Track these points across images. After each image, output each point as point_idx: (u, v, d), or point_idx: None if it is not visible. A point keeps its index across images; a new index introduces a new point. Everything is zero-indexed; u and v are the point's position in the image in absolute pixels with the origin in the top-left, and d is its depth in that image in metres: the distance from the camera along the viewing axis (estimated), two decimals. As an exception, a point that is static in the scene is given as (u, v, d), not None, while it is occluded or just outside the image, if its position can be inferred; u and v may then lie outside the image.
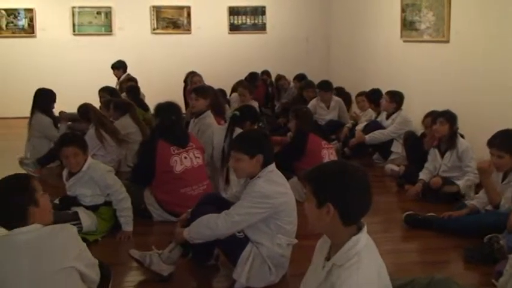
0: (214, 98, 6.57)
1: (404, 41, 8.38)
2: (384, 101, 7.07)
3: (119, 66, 10.21)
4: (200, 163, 5.03)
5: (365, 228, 2.22)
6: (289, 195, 3.57)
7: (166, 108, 5.14)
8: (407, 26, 8.19)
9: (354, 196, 2.16)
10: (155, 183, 4.93)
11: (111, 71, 10.27)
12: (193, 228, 3.54)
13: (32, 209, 2.57)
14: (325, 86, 8.37)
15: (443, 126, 5.44)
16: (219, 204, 3.72)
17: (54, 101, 7.07)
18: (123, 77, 10.09)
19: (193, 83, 8.73)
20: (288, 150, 5.67)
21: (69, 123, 7.44)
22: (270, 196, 3.43)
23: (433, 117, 5.73)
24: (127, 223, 4.58)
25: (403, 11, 8.27)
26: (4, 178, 2.67)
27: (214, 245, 3.67)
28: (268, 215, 3.44)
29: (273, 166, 3.57)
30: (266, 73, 11.05)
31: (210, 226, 3.46)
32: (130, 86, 8.93)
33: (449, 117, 5.46)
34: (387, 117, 7.02)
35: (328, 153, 5.49)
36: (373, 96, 7.54)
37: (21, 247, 2.47)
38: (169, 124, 5.02)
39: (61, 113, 7.26)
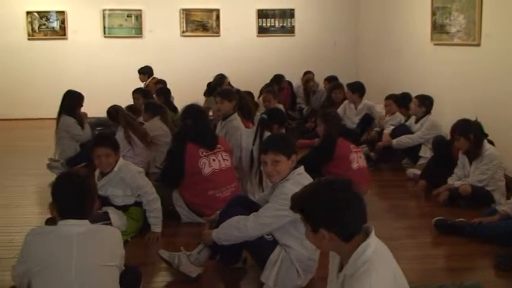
0: (241, 101, 6.59)
1: (435, 44, 8.30)
2: (413, 105, 7.00)
3: (145, 72, 10.34)
4: (228, 165, 5.05)
5: (373, 233, 2.18)
6: (318, 199, 3.55)
7: (192, 110, 5.18)
8: (438, 29, 8.12)
9: (346, 215, 2.14)
10: (184, 184, 4.96)
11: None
12: (221, 230, 3.56)
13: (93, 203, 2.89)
14: (354, 87, 8.32)
15: (459, 141, 5.39)
16: (248, 206, 3.73)
17: (81, 104, 7.09)
18: (147, 81, 10.20)
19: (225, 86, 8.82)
20: (316, 154, 5.65)
21: (98, 128, 7.51)
22: (299, 199, 3.42)
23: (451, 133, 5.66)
24: (156, 224, 4.62)
25: (433, 14, 8.20)
26: (66, 173, 3.05)
27: (242, 247, 3.68)
28: (296, 217, 3.43)
29: (301, 169, 3.57)
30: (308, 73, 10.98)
31: (239, 228, 3.47)
32: (161, 87, 9.03)
33: (461, 131, 5.36)
34: (416, 122, 6.96)
35: (357, 157, 5.47)
36: (403, 101, 7.47)
37: (73, 237, 2.67)
38: (193, 125, 5.06)
39: (81, 113, 7.30)
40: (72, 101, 6.98)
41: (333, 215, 2.13)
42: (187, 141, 4.92)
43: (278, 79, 10.29)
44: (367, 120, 8.01)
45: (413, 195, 6.02)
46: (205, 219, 4.21)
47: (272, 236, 3.53)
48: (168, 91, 8.94)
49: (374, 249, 2.13)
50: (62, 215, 2.81)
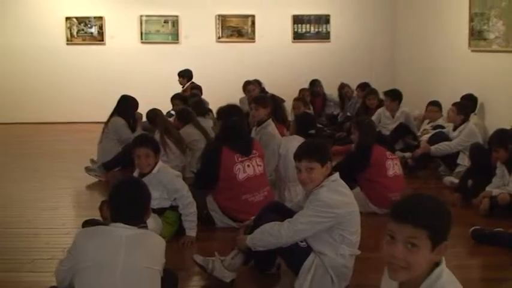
0: (275, 106, 6.59)
1: (473, 51, 8.18)
2: (451, 113, 6.90)
3: (185, 75, 10.43)
4: (262, 171, 5.05)
5: (444, 261, 2.04)
6: (353, 206, 3.54)
7: (227, 111, 5.21)
8: (476, 35, 8.01)
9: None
10: (218, 189, 4.98)
11: (177, 79, 10.50)
12: (256, 236, 3.57)
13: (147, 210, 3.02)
14: (392, 94, 8.23)
15: (498, 153, 5.32)
16: (282, 212, 3.73)
17: (136, 109, 7.19)
18: (186, 85, 10.29)
19: (247, 92, 8.85)
20: (352, 161, 5.61)
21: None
22: (333, 206, 3.41)
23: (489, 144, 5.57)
24: (191, 228, 4.64)
25: (471, 20, 8.09)
26: (125, 180, 3.24)
27: (276, 253, 3.67)
28: (331, 224, 3.42)
29: (336, 175, 3.55)
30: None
31: (273, 234, 3.47)
32: (192, 94, 9.09)
33: (500, 142, 5.32)
34: (454, 129, 6.86)
35: (393, 164, 5.41)
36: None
37: (121, 239, 2.76)
38: (231, 125, 5.08)
39: (137, 113, 7.37)
40: (128, 105, 7.07)
41: (451, 223, 2.03)
42: (223, 147, 4.94)
43: (313, 84, 10.29)
44: (403, 128, 7.89)
45: (449, 203, 5.92)
46: (239, 225, 4.23)
47: (306, 243, 3.51)
48: (199, 97, 8.97)
49: (448, 279, 2.00)
50: (114, 218, 2.90)
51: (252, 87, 9.09)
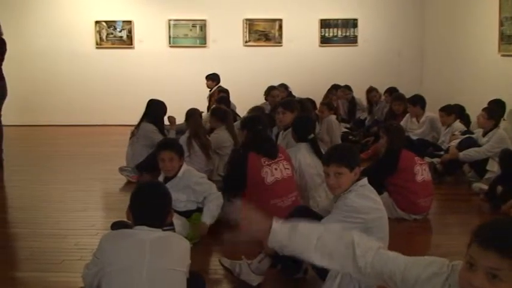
0: (302, 111, 6.58)
1: (502, 55, 8.07)
2: (481, 118, 6.81)
3: (213, 78, 10.49)
4: (289, 174, 5.04)
5: None
6: (381, 211, 3.51)
7: (252, 121, 5.22)
8: (506, 39, 7.91)
9: None
10: (246, 194, 4.98)
11: (204, 82, 10.55)
12: (283, 240, 3.55)
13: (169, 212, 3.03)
14: (415, 100, 8.17)
15: None
16: (310, 217, 3.71)
17: (165, 112, 7.24)
18: (214, 88, 10.33)
19: (271, 97, 8.84)
20: (380, 166, 5.57)
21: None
22: (362, 211, 3.38)
23: None
24: (208, 216, 4.61)
25: (501, 24, 7.99)
26: (147, 181, 3.19)
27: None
28: (359, 230, 3.39)
29: (365, 180, 3.53)
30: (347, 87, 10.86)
31: (301, 238, 3.45)
32: (221, 96, 9.13)
33: None
34: (484, 135, 6.76)
35: (422, 170, 5.35)
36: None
37: (146, 242, 2.78)
38: (257, 135, 5.09)
39: (170, 117, 7.43)
40: (156, 110, 7.12)
41: None
42: (249, 151, 4.96)
43: (335, 88, 10.30)
44: (423, 143, 7.80)
45: (478, 210, 5.85)
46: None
47: (334, 248, 3.49)
48: (228, 101, 9.03)
49: None
50: (137, 221, 2.92)
51: (277, 92, 9.06)
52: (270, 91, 9.10)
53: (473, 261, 1.77)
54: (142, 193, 3.04)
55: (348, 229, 3.35)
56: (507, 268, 1.70)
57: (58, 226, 5.17)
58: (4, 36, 7.48)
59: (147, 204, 2.96)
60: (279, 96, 8.93)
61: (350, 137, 9.11)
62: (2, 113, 7.62)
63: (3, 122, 7.69)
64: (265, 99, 9.12)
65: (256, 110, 7.38)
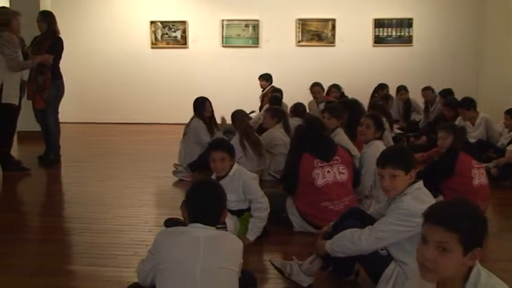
0: (349, 119, 6.55)
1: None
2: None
3: (267, 78, 10.52)
4: (344, 179, 4.96)
5: (478, 263, 2.12)
6: (436, 215, 3.44)
7: (307, 120, 5.21)
8: None
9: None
10: (297, 193, 4.99)
11: (257, 82, 10.58)
12: (335, 241, 3.53)
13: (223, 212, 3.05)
14: (464, 104, 7.97)
15: None
16: (363, 219, 3.68)
17: (208, 109, 7.34)
18: (267, 88, 10.36)
19: (312, 93, 8.87)
20: (436, 168, 5.43)
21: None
22: (417, 215, 3.28)
23: None
24: (253, 231, 4.59)
25: None
26: (203, 179, 3.42)
27: (356, 260, 3.62)
28: (413, 234, 3.33)
29: (420, 183, 3.46)
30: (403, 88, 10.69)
31: (353, 240, 3.42)
32: (273, 96, 9.15)
33: None
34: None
35: (479, 173, 5.19)
36: None
37: (200, 240, 2.82)
38: (308, 135, 5.08)
39: (222, 117, 7.54)
40: (200, 107, 7.29)
41: (486, 228, 2.15)
42: (303, 151, 4.95)
43: (380, 88, 10.19)
44: (483, 144, 7.58)
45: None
46: (317, 232, 4.20)
47: (386, 251, 3.45)
48: (281, 100, 9.04)
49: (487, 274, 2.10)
50: (192, 218, 2.95)
51: (318, 88, 9.19)
52: (312, 87, 9.26)
53: (425, 237, 2.09)
54: (198, 191, 3.06)
55: (401, 232, 3.33)
56: (453, 241, 2.03)
57: (113, 222, 5.28)
58: (61, 36, 7.69)
59: (203, 202, 2.98)
60: (319, 93, 9.03)
61: (405, 138, 8.96)
62: (60, 110, 7.84)
63: (61, 119, 7.91)
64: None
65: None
